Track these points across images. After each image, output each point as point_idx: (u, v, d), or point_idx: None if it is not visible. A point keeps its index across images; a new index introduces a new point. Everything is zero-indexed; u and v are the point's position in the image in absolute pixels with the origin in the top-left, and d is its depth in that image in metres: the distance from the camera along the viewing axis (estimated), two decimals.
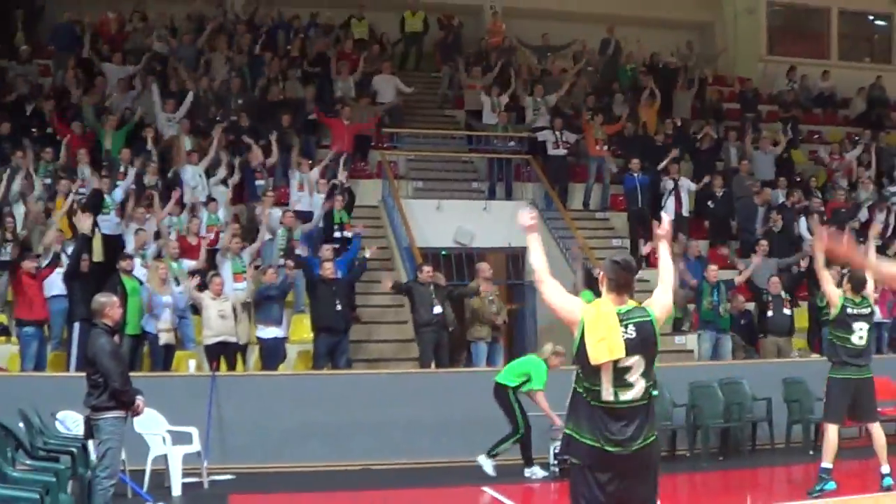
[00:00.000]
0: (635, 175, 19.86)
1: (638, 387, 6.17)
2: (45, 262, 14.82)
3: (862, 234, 17.50)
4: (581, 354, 6.21)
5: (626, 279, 6.33)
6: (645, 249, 17.40)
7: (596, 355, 6.13)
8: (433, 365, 15.00)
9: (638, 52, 25.86)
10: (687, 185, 19.89)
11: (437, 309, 15.06)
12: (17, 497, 7.24)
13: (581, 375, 6.28)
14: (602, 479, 6.15)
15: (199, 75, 21.04)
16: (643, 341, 6.18)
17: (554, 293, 6.48)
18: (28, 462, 8.94)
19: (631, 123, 21.97)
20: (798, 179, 22.00)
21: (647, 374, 6.19)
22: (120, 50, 21.50)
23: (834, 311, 10.97)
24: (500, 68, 23.30)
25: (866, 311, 10.97)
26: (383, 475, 13.28)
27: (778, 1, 28.37)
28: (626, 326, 6.18)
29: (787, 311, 16.70)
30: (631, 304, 6.30)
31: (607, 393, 6.15)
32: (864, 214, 20.58)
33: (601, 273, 6.44)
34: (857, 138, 24.25)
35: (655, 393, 6.33)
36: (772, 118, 25.30)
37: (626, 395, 6.16)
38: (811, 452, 13.51)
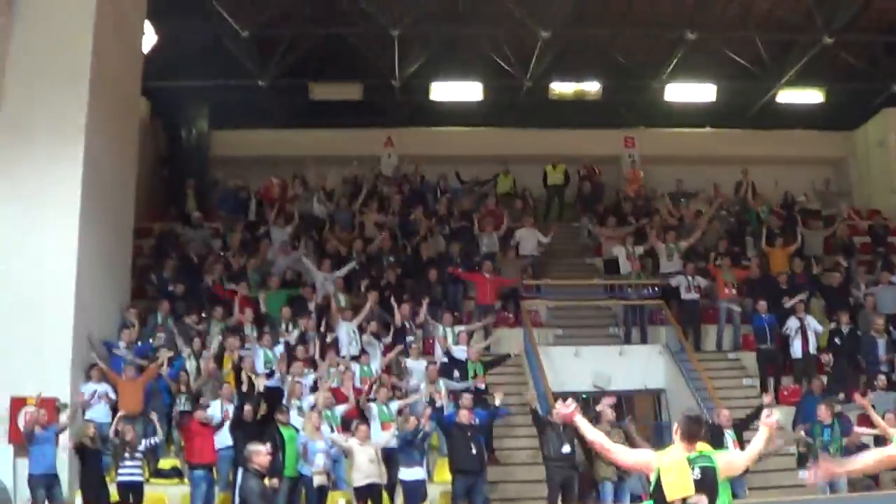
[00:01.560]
0: (763, 316, 20.76)
1: None
2: (218, 416, 16.53)
3: None
4: (657, 493, 7.60)
5: (696, 431, 7.77)
6: (766, 399, 17.98)
7: (671, 493, 7.54)
8: (559, 501, 15.98)
9: (773, 192, 26.70)
10: (813, 324, 20.45)
11: (566, 448, 16.11)
12: None
13: None
14: None
15: (354, 236, 22.85)
16: (706, 481, 7.52)
17: (625, 453, 8.13)
18: None
19: (758, 267, 22.73)
20: None
21: None
22: (283, 213, 23.43)
23: None
24: (635, 218, 24.69)
25: None
26: None
27: None
28: (693, 469, 7.54)
29: None
30: (698, 451, 7.66)
31: None
32: None
33: (676, 424, 7.76)
34: None
35: None
36: None
37: None
38: None
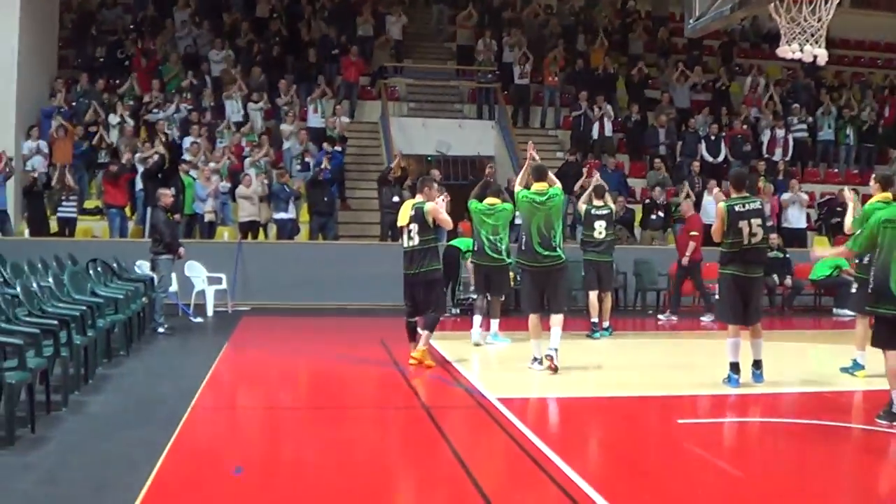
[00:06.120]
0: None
1: (416, 239, 12.13)
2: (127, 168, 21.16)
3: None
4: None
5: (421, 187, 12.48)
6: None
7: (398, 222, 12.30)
8: (389, 240, 20.77)
9: None
10: (608, 111, 25.42)
11: (396, 198, 20.83)
12: (115, 295, 13.44)
13: None
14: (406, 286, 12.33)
15: (244, 18, 26.97)
16: (417, 217, 12.09)
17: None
18: (119, 282, 15.18)
19: (581, 60, 27.34)
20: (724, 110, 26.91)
21: (420, 234, 12.07)
22: None
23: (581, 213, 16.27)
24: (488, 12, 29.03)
25: (605, 212, 15.77)
26: (352, 311, 19.48)
27: None
28: (412, 209, 12.18)
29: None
30: (418, 200, 12.23)
31: (404, 243, 12.25)
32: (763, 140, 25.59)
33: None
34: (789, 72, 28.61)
35: (428, 245, 12.22)
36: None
37: (410, 243, 12.17)
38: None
